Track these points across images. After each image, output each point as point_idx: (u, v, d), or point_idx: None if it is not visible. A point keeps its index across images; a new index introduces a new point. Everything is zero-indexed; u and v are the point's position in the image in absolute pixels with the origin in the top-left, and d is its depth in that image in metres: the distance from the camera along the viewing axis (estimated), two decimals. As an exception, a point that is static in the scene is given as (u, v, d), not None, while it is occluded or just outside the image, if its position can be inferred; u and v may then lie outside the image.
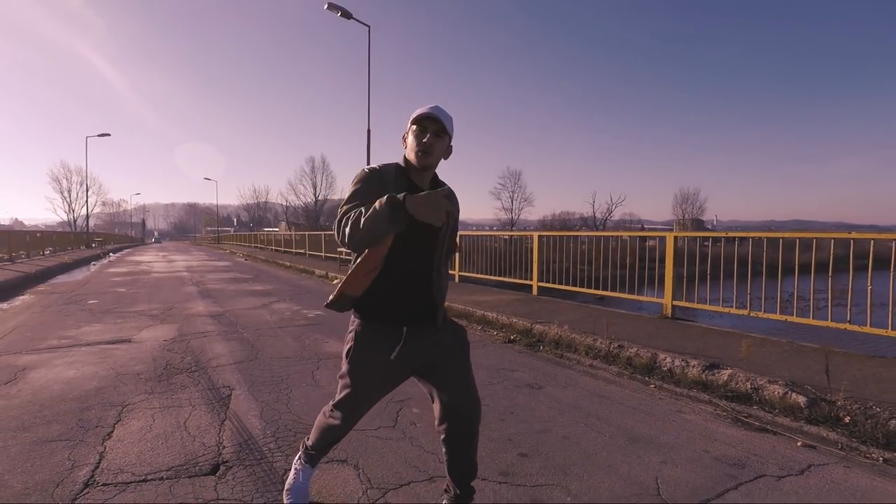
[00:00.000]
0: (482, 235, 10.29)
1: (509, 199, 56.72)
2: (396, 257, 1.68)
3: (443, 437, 1.88)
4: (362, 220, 1.50)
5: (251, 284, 10.80)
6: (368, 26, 13.57)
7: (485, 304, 6.81)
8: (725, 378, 3.56)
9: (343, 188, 58.29)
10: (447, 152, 1.79)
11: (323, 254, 17.63)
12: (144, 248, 42.51)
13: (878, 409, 2.88)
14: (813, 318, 4.75)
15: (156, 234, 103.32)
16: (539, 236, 8.32)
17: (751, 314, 5.13)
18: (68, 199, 53.95)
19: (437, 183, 1.82)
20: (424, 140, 1.70)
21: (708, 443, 2.74)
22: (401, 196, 1.46)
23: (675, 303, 5.79)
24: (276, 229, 51.66)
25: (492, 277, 9.03)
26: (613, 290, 6.64)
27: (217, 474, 2.29)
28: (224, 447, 2.57)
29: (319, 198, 55.63)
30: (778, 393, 3.23)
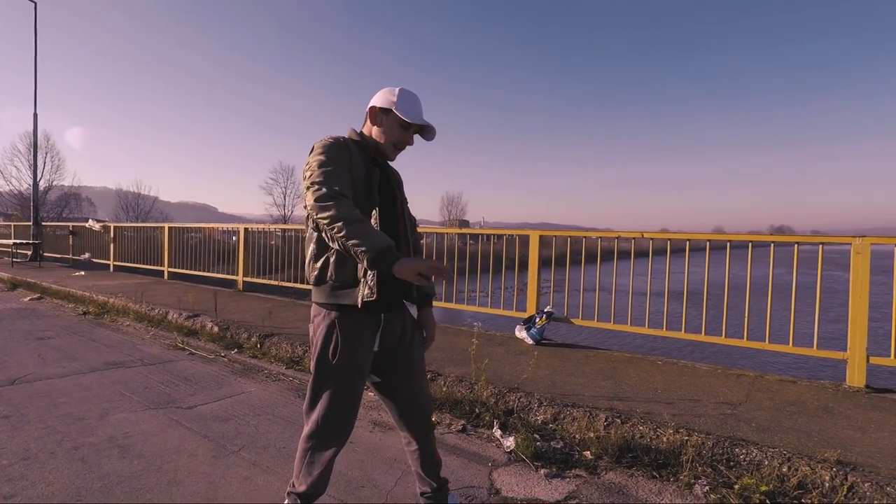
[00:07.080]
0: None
1: (282, 195, 55.00)
2: None
3: (411, 442, 1.80)
4: (359, 239, 1.39)
5: None
6: (35, 3, 12.72)
7: (98, 287, 7.65)
8: (191, 321, 5.36)
9: (74, 173, 49.20)
10: None
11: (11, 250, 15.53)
12: None
13: (242, 329, 4.90)
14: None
15: None
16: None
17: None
18: None
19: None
20: (409, 142, 1.74)
21: (131, 356, 4.34)
22: (398, 255, 1.41)
23: (244, 279, 7.71)
24: (-23, 220, 40.83)
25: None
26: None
27: None
28: None
29: (42, 184, 45.71)
30: (213, 330, 5.09)
